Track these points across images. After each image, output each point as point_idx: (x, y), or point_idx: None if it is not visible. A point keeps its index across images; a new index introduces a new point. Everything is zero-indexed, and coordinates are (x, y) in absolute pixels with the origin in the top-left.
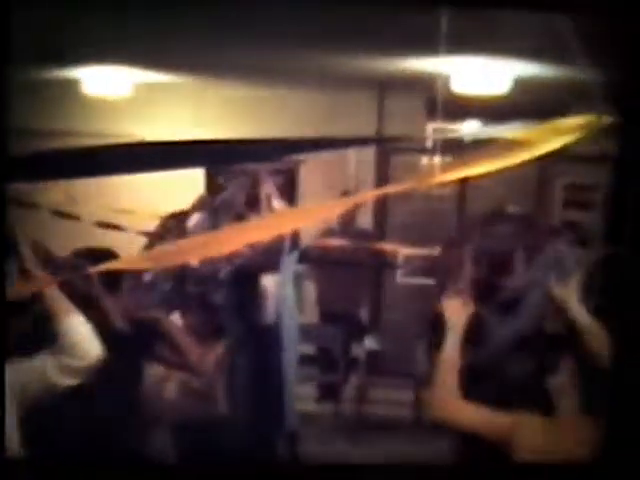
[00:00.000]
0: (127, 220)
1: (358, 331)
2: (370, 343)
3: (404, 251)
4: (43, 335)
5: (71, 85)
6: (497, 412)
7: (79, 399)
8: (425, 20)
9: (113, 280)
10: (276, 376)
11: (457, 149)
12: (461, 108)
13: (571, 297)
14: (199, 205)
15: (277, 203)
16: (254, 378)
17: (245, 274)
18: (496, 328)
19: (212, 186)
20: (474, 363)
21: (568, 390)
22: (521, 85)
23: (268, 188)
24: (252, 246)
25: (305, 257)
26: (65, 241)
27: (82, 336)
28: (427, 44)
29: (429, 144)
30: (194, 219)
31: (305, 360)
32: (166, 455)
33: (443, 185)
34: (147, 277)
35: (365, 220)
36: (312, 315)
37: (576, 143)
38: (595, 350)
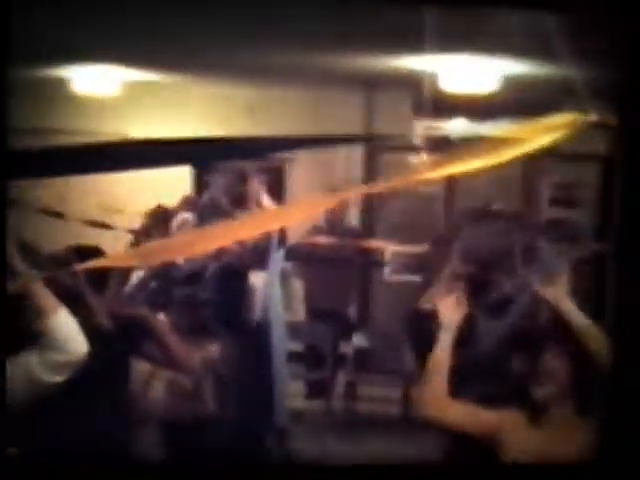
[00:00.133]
0: (114, 218)
1: (346, 328)
2: (358, 340)
3: (392, 248)
4: (29, 331)
5: (59, 84)
6: (485, 411)
7: (65, 397)
8: (412, 18)
9: (100, 278)
10: (265, 373)
11: (445, 147)
12: (449, 106)
13: (562, 297)
14: (185, 204)
15: (265, 200)
16: (243, 376)
17: (232, 272)
18: (486, 327)
19: (199, 184)
20: (463, 362)
21: (558, 390)
22: (508, 83)
23: (256, 185)
24: (240, 243)
25: (293, 255)
26: (52, 239)
27: (68, 331)
28: (415, 42)
29: (417, 142)
30: (180, 219)
31: (293, 357)
32: (154, 453)
33: (430, 183)
34: (134, 275)
35: (353, 218)
36: (300, 312)
37: (563, 141)
38: (592, 349)
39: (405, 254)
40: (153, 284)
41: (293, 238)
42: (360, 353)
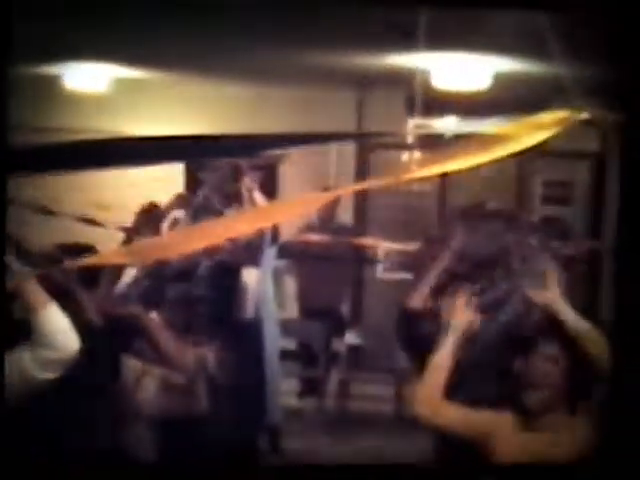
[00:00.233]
0: (106, 216)
1: (339, 326)
2: (351, 338)
3: (384, 246)
4: (21, 328)
5: (52, 81)
6: (477, 413)
7: (57, 394)
8: (405, 16)
9: (92, 275)
10: (257, 371)
11: (437, 145)
12: (440, 104)
13: (556, 301)
14: (177, 203)
15: (258, 197)
16: (235, 373)
17: (225, 269)
18: (479, 328)
19: (192, 182)
20: (459, 364)
21: (551, 394)
22: (500, 81)
23: (249, 182)
24: (232, 241)
25: (285, 252)
26: (44, 236)
27: (58, 328)
28: (407, 40)
29: (409, 140)
30: (172, 217)
31: (286, 355)
32: (146, 451)
33: (423, 180)
34: (126, 272)
35: (345, 215)
36: (293, 310)
37: (554, 138)
38: (590, 353)
39: (398, 252)
40: (145, 282)
41: (286, 236)
42: (353, 351)
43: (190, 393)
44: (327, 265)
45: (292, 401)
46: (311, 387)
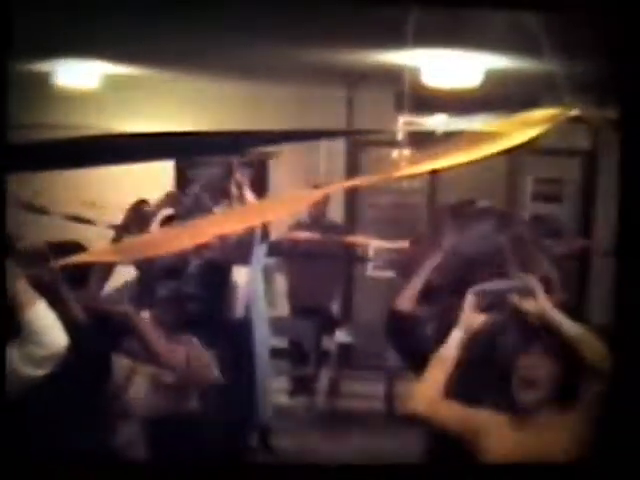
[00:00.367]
0: (96, 213)
1: (329, 324)
2: (341, 336)
3: (374, 244)
4: (9, 326)
5: (42, 79)
6: (474, 412)
7: (46, 393)
8: (395, 14)
9: (81, 273)
10: (248, 369)
11: (427, 142)
12: (431, 101)
13: (547, 309)
14: (167, 201)
15: (249, 195)
16: (225, 372)
17: (215, 267)
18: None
19: (182, 179)
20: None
21: (545, 394)
22: (490, 78)
23: (240, 179)
24: (222, 239)
25: (276, 250)
26: (33, 234)
27: (46, 324)
28: (397, 37)
29: (399, 137)
30: (162, 215)
31: (277, 354)
32: (135, 450)
33: (413, 178)
34: (116, 270)
35: (336, 213)
36: (283, 308)
37: (545, 135)
38: (586, 357)
39: (388, 250)
40: (135, 280)
41: (276, 234)
42: (343, 349)
43: (180, 392)
44: (317, 263)
45: (283, 399)
46: (302, 385)
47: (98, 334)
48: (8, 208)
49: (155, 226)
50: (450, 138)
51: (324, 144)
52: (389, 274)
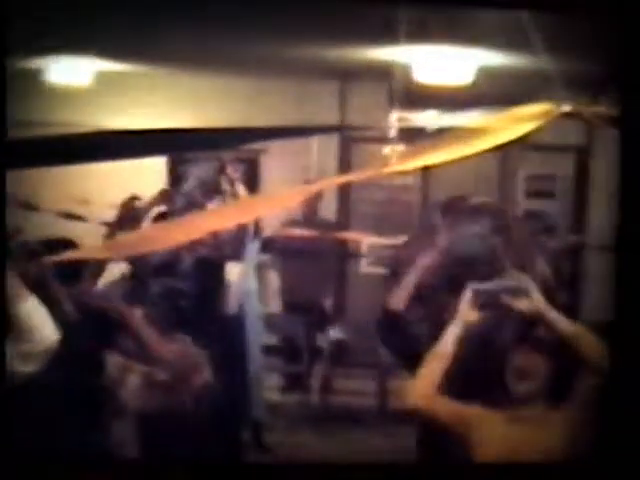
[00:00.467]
0: (88, 210)
1: (322, 321)
2: (334, 333)
3: (367, 240)
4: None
5: (32, 75)
6: (468, 408)
7: (38, 391)
8: (388, 9)
9: (74, 270)
10: (241, 366)
11: (420, 138)
12: (423, 97)
13: (542, 308)
14: (160, 199)
15: (242, 191)
16: (218, 368)
17: (207, 264)
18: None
19: (175, 176)
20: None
21: (537, 387)
22: (483, 74)
23: (232, 172)
24: (214, 235)
25: (268, 247)
26: (26, 231)
27: (37, 320)
28: (390, 33)
29: (392, 133)
30: (155, 212)
31: (269, 350)
32: (128, 447)
33: (406, 174)
34: (109, 267)
35: (328, 210)
36: (276, 305)
37: (537, 131)
38: (582, 352)
39: (381, 246)
40: (127, 276)
41: (269, 230)
42: (336, 346)
43: (173, 389)
44: (310, 260)
45: (275, 396)
46: (294, 382)
47: (90, 331)
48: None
49: (147, 223)
50: (442, 134)
51: (317, 140)
52: (382, 270)
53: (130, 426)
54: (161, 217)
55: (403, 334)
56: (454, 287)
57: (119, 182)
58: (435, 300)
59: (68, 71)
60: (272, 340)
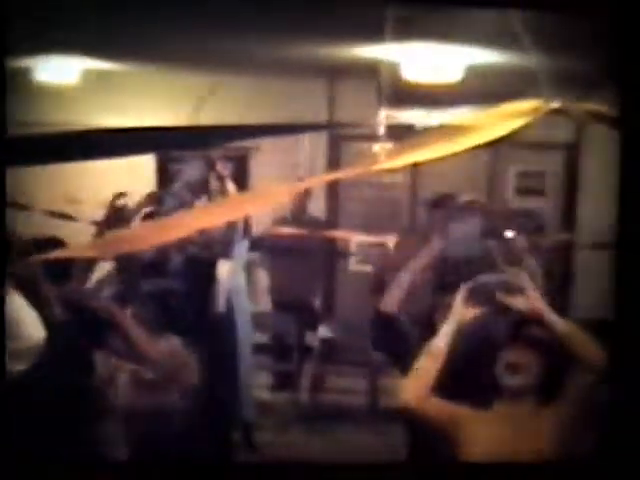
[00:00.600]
0: (77, 209)
1: (312, 319)
2: (324, 331)
3: (357, 239)
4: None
5: (19, 74)
6: (459, 407)
7: (25, 390)
8: (376, 7)
9: (63, 269)
10: (230, 365)
11: (408, 135)
12: (412, 94)
13: (539, 307)
14: (149, 201)
15: (231, 189)
16: (208, 367)
17: (197, 262)
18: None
19: (163, 174)
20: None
21: (529, 382)
22: (471, 71)
23: (222, 168)
24: (203, 234)
25: (257, 245)
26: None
27: (22, 318)
28: (378, 31)
29: (381, 131)
30: (143, 212)
31: (259, 349)
32: (118, 447)
33: (395, 171)
34: (98, 266)
35: (317, 208)
36: (265, 304)
37: (526, 127)
38: (576, 350)
39: (370, 244)
40: (116, 275)
41: (258, 229)
42: (326, 344)
43: (162, 388)
44: (299, 258)
45: (265, 395)
46: (284, 381)
47: (79, 330)
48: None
49: (137, 223)
50: (431, 131)
51: (305, 138)
52: (371, 268)
53: (119, 426)
54: (149, 217)
55: (396, 336)
56: (448, 288)
57: (108, 181)
58: (429, 301)
59: (56, 70)
60: (262, 338)
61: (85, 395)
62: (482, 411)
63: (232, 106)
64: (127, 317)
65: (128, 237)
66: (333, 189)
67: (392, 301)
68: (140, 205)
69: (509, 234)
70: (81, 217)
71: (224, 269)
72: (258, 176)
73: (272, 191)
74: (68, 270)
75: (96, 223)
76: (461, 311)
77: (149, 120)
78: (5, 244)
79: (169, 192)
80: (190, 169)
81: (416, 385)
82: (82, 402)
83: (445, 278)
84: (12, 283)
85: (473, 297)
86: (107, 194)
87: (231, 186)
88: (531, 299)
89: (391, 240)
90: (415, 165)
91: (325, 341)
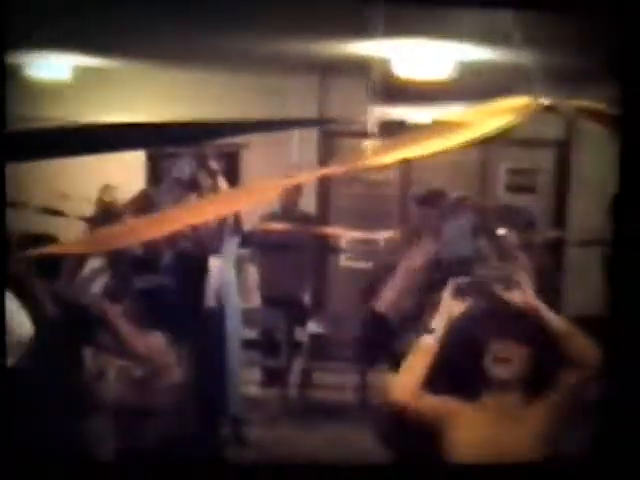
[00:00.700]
0: (67, 205)
1: (301, 315)
2: (313, 327)
3: (347, 235)
4: None
5: (13, 71)
6: (449, 402)
7: (14, 387)
8: (367, 3)
9: (52, 265)
10: (220, 360)
11: (399, 132)
12: (403, 91)
13: (534, 303)
14: (139, 200)
15: (223, 184)
16: (197, 363)
17: (187, 258)
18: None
19: (154, 169)
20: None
21: (519, 375)
22: (462, 68)
23: (214, 164)
24: (194, 229)
25: (248, 241)
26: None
27: (11, 313)
28: (369, 27)
29: (371, 127)
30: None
31: (248, 345)
32: (107, 443)
33: (385, 168)
34: (88, 262)
35: (308, 204)
36: (255, 299)
37: (516, 124)
38: (570, 348)
39: (360, 240)
40: (107, 272)
41: (248, 224)
42: (315, 340)
43: (151, 385)
44: (290, 254)
45: (254, 391)
46: (274, 376)
47: (68, 326)
48: None
49: (127, 218)
50: (422, 128)
51: (297, 134)
52: (362, 264)
53: (108, 422)
54: (140, 212)
55: (389, 334)
56: (439, 285)
57: (99, 177)
58: (421, 298)
59: (49, 67)
60: (251, 334)
61: (73, 391)
62: (470, 404)
63: (223, 102)
64: (116, 313)
65: (119, 232)
66: (324, 185)
67: (387, 302)
68: (131, 203)
69: (500, 231)
70: (71, 213)
71: (215, 265)
72: (249, 172)
73: (263, 187)
74: (58, 266)
75: (86, 219)
76: (450, 306)
77: (145, 116)
78: (5, 242)
79: (160, 188)
80: (181, 165)
81: (406, 381)
82: (70, 398)
83: (436, 276)
84: (4, 280)
85: (464, 291)
86: (97, 190)
87: (222, 182)
88: (526, 294)
89: (382, 236)
90: (406, 161)
91: (314, 337)
